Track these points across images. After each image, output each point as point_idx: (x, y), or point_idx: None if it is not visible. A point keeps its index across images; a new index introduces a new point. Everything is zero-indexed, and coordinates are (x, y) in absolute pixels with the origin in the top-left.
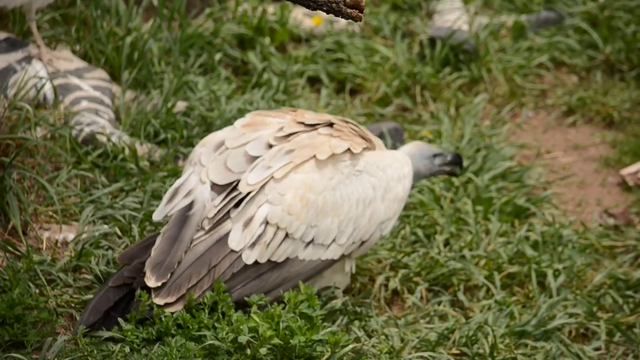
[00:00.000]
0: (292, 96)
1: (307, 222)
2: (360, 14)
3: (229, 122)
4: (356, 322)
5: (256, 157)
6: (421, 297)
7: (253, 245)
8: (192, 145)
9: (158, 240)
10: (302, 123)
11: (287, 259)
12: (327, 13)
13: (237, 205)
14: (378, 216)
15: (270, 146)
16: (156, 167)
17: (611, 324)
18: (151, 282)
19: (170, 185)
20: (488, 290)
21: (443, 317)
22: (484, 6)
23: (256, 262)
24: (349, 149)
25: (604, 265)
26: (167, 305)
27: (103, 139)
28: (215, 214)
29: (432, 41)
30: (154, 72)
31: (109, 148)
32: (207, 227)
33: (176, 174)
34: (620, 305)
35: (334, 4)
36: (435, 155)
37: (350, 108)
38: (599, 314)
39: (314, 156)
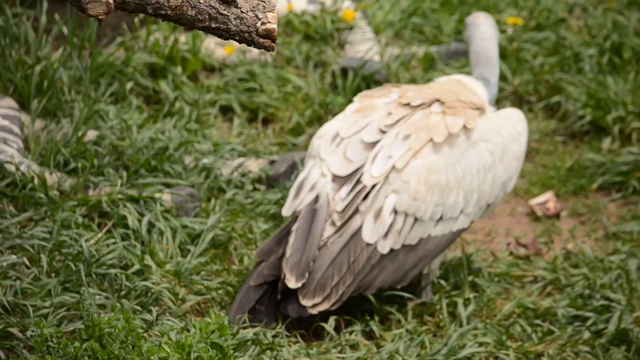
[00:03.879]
0: (205, 125)
1: (434, 202)
2: (272, 44)
3: (140, 151)
4: (268, 352)
5: (373, 143)
6: (336, 327)
7: (386, 235)
8: (103, 175)
9: (291, 238)
10: (409, 104)
11: (420, 239)
12: (240, 42)
13: (365, 197)
14: (500, 178)
15: (383, 132)
16: (66, 197)
17: (520, 353)
18: (291, 283)
19: (86, 213)
20: (399, 319)
21: (355, 347)
22: (395, 37)
23: (391, 250)
24: (464, 125)
25: (514, 295)
26: (314, 306)
27: (11, 168)
28: (345, 209)
29: (344, 71)
30: (64, 101)
31: (18, 177)
32: (338, 224)
33: (87, 203)
34: (528, 334)
35: (246, 34)
36: None
37: (263, 137)
38: (508, 343)
39: (431, 139)
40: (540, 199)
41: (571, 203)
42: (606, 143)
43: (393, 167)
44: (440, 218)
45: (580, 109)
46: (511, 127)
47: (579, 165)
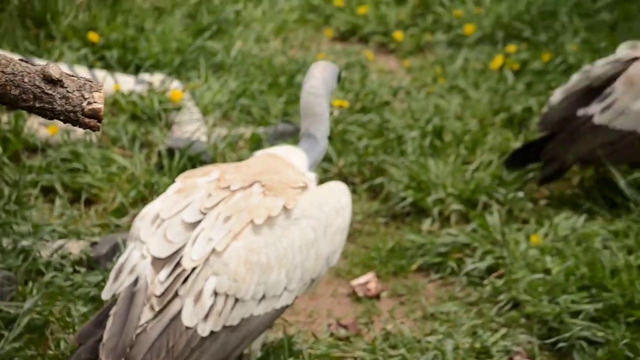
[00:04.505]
0: (25, 206)
1: (255, 282)
2: (98, 124)
3: None
4: None
5: (194, 224)
6: None
7: (206, 317)
8: None
9: (109, 322)
10: (228, 187)
11: (242, 319)
12: (65, 122)
13: (184, 281)
14: (323, 253)
15: (204, 213)
16: None
17: None
18: None
19: None
20: None
21: None
22: (223, 118)
23: (212, 332)
24: (284, 206)
25: None
26: None
27: None
28: (164, 293)
29: (171, 152)
30: None
31: None
32: (156, 308)
33: None
34: None
35: (71, 113)
36: (339, 74)
37: (85, 218)
38: None
39: (252, 221)
40: (362, 279)
41: (392, 284)
42: (426, 224)
43: (213, 250)
44: (263, 297)
45: (402, 190)
46: (334, 200)
47: (400, 246)
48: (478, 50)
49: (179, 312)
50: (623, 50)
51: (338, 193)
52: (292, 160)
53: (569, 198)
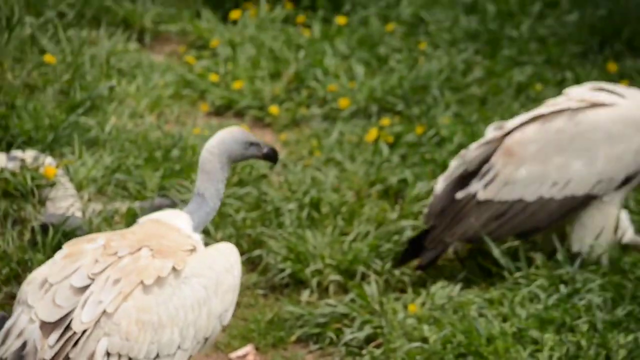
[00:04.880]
0: None
1: (148, 341)
2: None
3: None
4: None
5: (83, 288)
6: None
7: None
8: None
9: None
10: (115, 254)
11: None
12: None
13: (75, 344)
14: (216, 311)
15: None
16: None
17: None
18: None
19: None
20: None
21: None
22: (98, 193)
23: None
24: (173, 267)
25: None
26: None
27: None
28: (54, 357)
29: (45, 228)
30: None
31: None
32: None
33: None
34: None
35: None
36: (251, 144)
37: None
38: None
39: (141, 282)
40: (240, 352)
41: (271, 355)
42: (305, 295)
43: (104, 312)
44: (157, 356)
45: (281, 262)
46: (224, 260)
47: (279, 317)
48: (353, 123)
49: None
50: (491, 132)
51: (226, 252)
52: (177, 224)
53: (445, 267)
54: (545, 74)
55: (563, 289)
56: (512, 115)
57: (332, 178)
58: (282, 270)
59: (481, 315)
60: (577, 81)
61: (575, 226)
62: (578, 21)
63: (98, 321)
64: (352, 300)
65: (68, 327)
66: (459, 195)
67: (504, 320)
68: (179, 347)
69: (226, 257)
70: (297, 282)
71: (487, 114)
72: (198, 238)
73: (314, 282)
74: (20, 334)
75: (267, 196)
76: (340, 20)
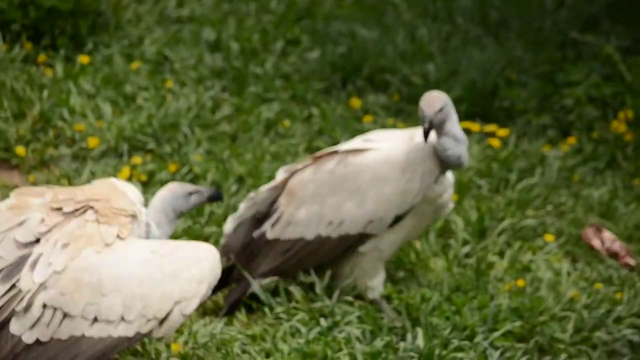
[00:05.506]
0: None
1: (85, 301)
2: None
3: None
4: None
5: (27, 244)
6: None
7: (33, 326)
8: None
9: None
10: (61, 209)
11: (72, 336)
12: None
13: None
14: (172, 295)
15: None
16: None
17: None
18: None
19: None
20: None
21: None
22: None
23: (39, 342)
24: (117, 235)
25: None
26: None
27: None
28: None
29: None
30: None
31: None
32: None
33: None
34: None
35: None
36: (190, 194)
37: None
38: None
39: (89, 247)
40: None
41: None
42: None
43: (53, 271)
44: (95, 319)
45: None
46: (194, 252)
47: None
48: (104, 162)
49: (9, 322)
50: (281, 175)
51: (199, 247)
52: (126, 191)
53: (207, 305)
54: (292, 110)
55: (323, 322)
56: (263, 151)
57: None
58: None
59: (244, 351)
60: (324, 117)
61: (351, 265)
62: (320, 58)
63: (47, 279)
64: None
65: (14, 286)
66: (255, 234)
67: (267, 356)
68: (122, 318)
69: (199, 252)
70: None
71: (238, 151)
72: (142, 209)
73: None
74: None
75: None
76: (83, 59)
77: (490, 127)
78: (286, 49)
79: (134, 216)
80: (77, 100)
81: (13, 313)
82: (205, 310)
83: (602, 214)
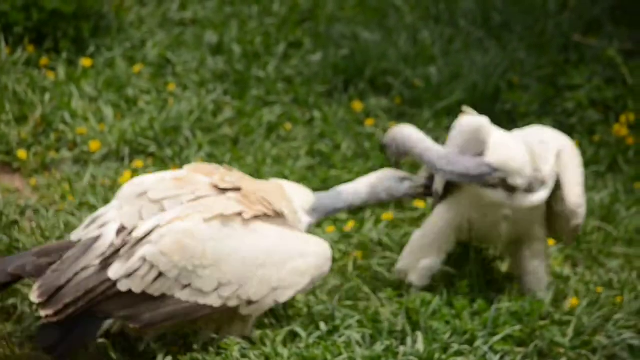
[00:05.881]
0: None
1: (182, 266)
2: None
3: None
4: None
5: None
6: None
7: (129, 276)
8: None
9: (58, 262)
10: (216, 187)
11: (163, 294)
12: None
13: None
14: (271, 282)
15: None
16: None
17: None
18: (33, 296)
19: None
20: None
21: None
22: None
23: (131, 292)
24: (240, 213)
25: None
26: (47, 316)
27: None
28: (109, 252)
29: None
30: None
31: None
32: (97, 263)
33: None
34: None
35: None
36: (404, 179)
37: None
38: None
39: (203, 212)
40: None
41: None
42: None
43: (157, 224)
44: (188, 285)
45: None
46: (304, 244)
47: None
48: (105, 166)
49: (109, 266)
50: None
51: (311, 242)
52: (291, 196)
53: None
54: (294, 114)
55: (323, 326)
56: (264, 155)
57: None
58: (39, 318)
59: (244, 355)
60: (325, 120)
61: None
62: (322, 61)
63: (152, 231)
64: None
65: (130, 234)
66: None
67: None
68: (215, 290)
69: (308, 244)
70: None
71: (239, 154)
72: (302, 217)
73: None
74: (101, 226)
75: (18, 243)
76: (85, 62)
77: None
78: (288, 51)
79: (278, 214)
80: (79, 104)
81: (117, 254)
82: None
83: (603, 218)
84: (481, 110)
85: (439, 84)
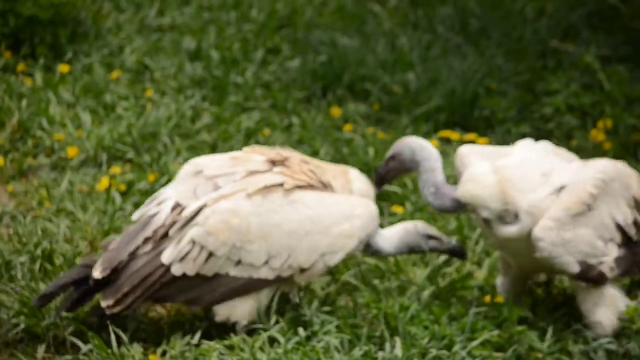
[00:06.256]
0: None
1: (230, 243)
2: None
3: None
4: None
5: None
6: None
7: (181, 260)
8: None
9: (119, 239)
10: (272, 162)
11: (217, 274)
12: None
13: (180, 226)
14: (319, 248)
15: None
16: None
17: None
18: (96, 272)
19: None
20: None
21: None
22: None
23: (185, 275)
24: (281, 184)
25: None
26: (108, 307)
27: None
28: (161, 232)
29: None
30: None
31: None
32: (152, 243)
33: None
34: None
35: None
36: (430, 237)
37: None
38: None
39: (245, 189)
40: None
41: None
42: (41, 351)
43: (203, 205)
44: (239, 261)
45: (14, 317)
46: (346, 206)
47: None
48: (83, 172)
49: (162, 250)
50: None
51: (355, 204)
52: (354, 181)
53: (186, 315)
54: (273, 119)
55: (302, 331)
56: None
57: (64, 229)
58: (16, 325)
59: None
60: (304, 126)
61: None
62: (300, 67)
63: (200, 211)
64: (90, 351)
65: (181, 213)
66: None
67: None
68: (266, 263)
69: (353, 206)
70: (33, 337)
71: None
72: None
73: (49, 335)
74: (159, 204)
75: None
76: (62, 68)
77: (470, 136)
78: (267, 57)
79: (325, 184)
80: (57, 110)
81: (167, 236)
82: (182, 320)
83: None
84: (459, 116)
85: (417, 90)
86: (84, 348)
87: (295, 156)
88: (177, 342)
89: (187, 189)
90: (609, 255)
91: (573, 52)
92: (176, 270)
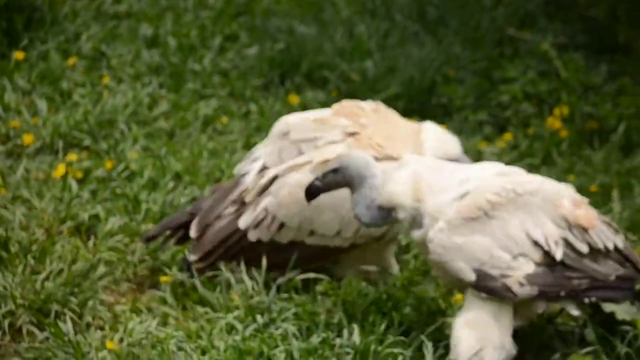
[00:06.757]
0: None
1: (301, 215)
2: None
3: None
4: None
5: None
6: None
7: (256, 227)
8: None
9: (212, 196)
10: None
11: (292, 242)
12: None
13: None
14: None
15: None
16: None
17: None
18: (192, 232)
19: None
20: None
21: None
22: None
23: (260, 241)
24: None
25: None
26: (194, 262)
27: None
28: (245, 198)
29: None
30: None
31: None
32: (235, 207)
33: None
34: None
35: None
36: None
37: None
38: None
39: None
40: None
41: None
42: None
43: (277, 175)
44: (312, 232)
45: None
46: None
47: None
48: (39, 159)
49: (241, 215)
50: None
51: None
52: (425, 141)
53: (141, 302)
54: (230, 107)
55: (260, 319)
56: (200, 148)
57: (19, 216)
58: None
59: (180, 349)
60: (262, 113)
61: None
62: (258, 55)
63: (275, 179)
64: (47, 339)
65: (262, 177)
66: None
67: (203, 353)
68: (338, 233)
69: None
70: None
71: (175, 148)
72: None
73: (5, 323)
74: (253, 161)
75: None
76: (18, 55)
77: None
78: (224, 45)
79: (391, 157)
80: (12, 97)
81: (244, 202)
82: (140, 307)
83: None
84: (417, 104)
85: (375, 78)
86: (40, 336)
87: (371, 125)
88: (134, 329)
89: (273, 151)
90: (518, 270)
91: (530, 40)
92: (252, 236)
